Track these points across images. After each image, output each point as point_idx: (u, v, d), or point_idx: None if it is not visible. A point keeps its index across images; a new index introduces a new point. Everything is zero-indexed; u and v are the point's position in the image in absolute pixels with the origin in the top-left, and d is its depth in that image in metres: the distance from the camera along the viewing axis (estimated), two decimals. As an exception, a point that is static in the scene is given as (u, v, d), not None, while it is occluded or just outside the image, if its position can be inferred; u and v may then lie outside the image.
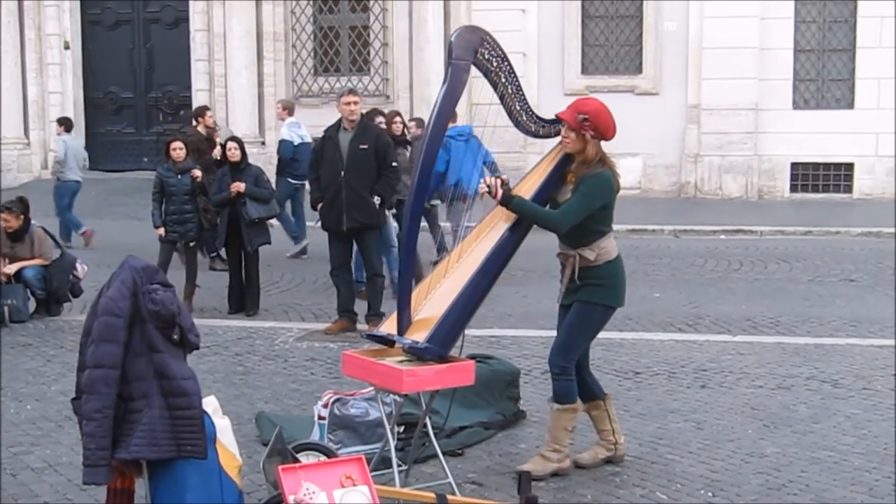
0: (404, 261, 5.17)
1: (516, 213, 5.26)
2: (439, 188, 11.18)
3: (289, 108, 14.12)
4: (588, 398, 5.69)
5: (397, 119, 11.49)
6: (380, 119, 10.81)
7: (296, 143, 13.43)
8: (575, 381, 5.51)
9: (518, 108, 5.37)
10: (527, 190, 5.43)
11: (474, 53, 5.10)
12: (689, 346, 8.53)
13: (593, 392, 5.71)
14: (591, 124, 5.26)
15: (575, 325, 5.45)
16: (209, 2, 19.62)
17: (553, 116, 5.48)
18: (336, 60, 19.69)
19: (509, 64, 5.25)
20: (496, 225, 5.36)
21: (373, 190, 8.86)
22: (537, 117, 5.47)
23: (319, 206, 9.04)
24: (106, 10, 20.73)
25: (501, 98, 5.31)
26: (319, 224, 9.29)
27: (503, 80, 5.25)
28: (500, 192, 5.22)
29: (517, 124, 5.45)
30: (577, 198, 5.28)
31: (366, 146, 8.81)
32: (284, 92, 19.56)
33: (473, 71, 5.14)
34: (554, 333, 5.62)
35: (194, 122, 13.50)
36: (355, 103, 8.90)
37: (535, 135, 5.52)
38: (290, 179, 13.45)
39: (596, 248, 5.38)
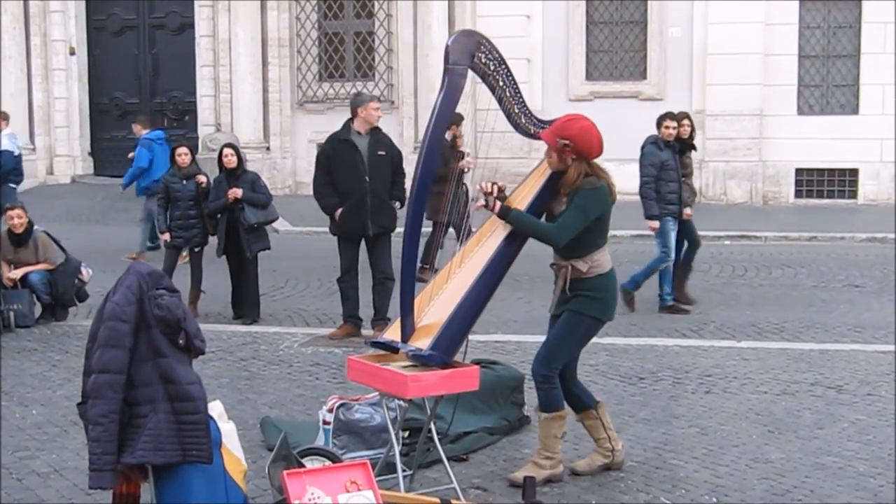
0: (406, 267, 5.10)
1: (512, 226, 5.24)
2: (144, 182, 13.72)
3: (6, 119, 14.55)
4: (580, 408, 5.66)
5: (686, 122, 10.91)
6: (672, 123, 10.51)
7: (15, 154, 14.23)
8: (559, 388, 5.48)
9: (517, 110, 5.33)
10: (521, 199, 5.38)
11: (471, 58, 5.05)
12: (694, 351, 8.53)
13: (584, 402, 5.66)
14: (573, 149, 5.21)
15: (562, 334, 5.42)
16: (214, 8, 19.66)
17: (551, 119, 5.43)
18: (341, 66, 19.71)
19: (507, 67, 5.20)
20: (496, 230, 5.35)
21: (391, 195, 8.98)
22: (536, 119, 5.43)
23: (338, 212, 8.88)
24: (111, 16, 20.78)
25: (500, 101, 5.27)
26: (329, 229, 9.25)
27: (501, 83, 5.21)
28: (497, 204, 5.22)
29: (516, 127, 5.41)
30: (572, 211, 5.23)
31: (383, 153, 8.90)
32: (289, 97, 19.63)
33: (474, 76, 5.11)
34: None
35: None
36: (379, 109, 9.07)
37: (535, 137, 5.46)
38: (12, 186, 14.23)
39: (589, 260, 5.33)
